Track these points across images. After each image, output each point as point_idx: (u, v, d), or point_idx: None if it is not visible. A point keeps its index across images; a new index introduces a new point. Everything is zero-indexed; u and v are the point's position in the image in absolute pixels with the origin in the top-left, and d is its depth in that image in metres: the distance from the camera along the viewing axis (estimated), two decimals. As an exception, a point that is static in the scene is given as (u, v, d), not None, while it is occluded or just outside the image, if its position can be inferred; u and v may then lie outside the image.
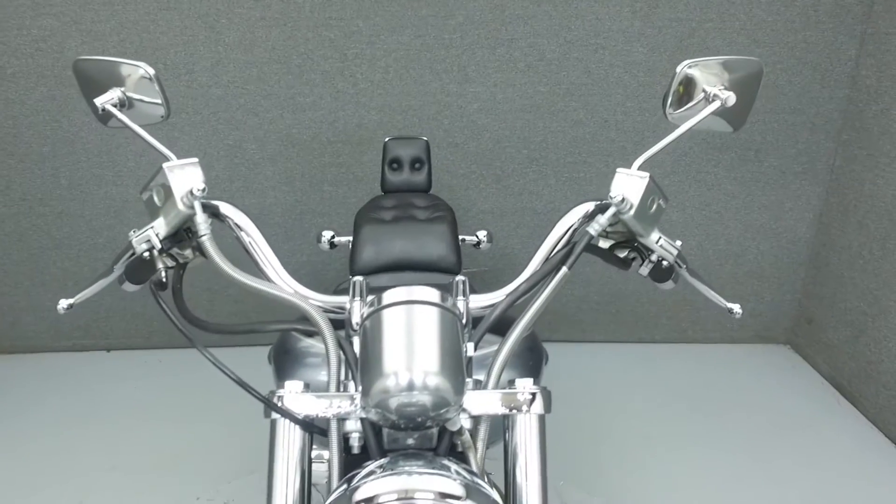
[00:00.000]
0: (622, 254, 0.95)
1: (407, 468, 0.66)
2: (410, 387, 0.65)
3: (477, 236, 1.87)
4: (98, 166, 2.42)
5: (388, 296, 0.75)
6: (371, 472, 0.66)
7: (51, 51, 2.26)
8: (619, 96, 2.44)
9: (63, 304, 0.91)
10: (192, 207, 0.85)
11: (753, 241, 2.69)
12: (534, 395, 0.78)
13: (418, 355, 0.67)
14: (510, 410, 0.77)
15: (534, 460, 0.76)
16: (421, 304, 0.73)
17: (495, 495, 0.67)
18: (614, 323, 2.77)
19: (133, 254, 0.88)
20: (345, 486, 0.67)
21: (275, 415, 0.76)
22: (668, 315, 2.78)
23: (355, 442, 0.76)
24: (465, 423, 0.75)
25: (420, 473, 0.66)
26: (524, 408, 0.77)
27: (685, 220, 2.63)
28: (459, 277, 0.85)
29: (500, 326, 0.83)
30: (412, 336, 0.68)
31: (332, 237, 1.83)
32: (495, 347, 0.80)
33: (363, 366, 0.69)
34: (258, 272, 0.91)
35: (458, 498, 0.64)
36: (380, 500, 0.64)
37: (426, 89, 2.38)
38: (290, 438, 0.75)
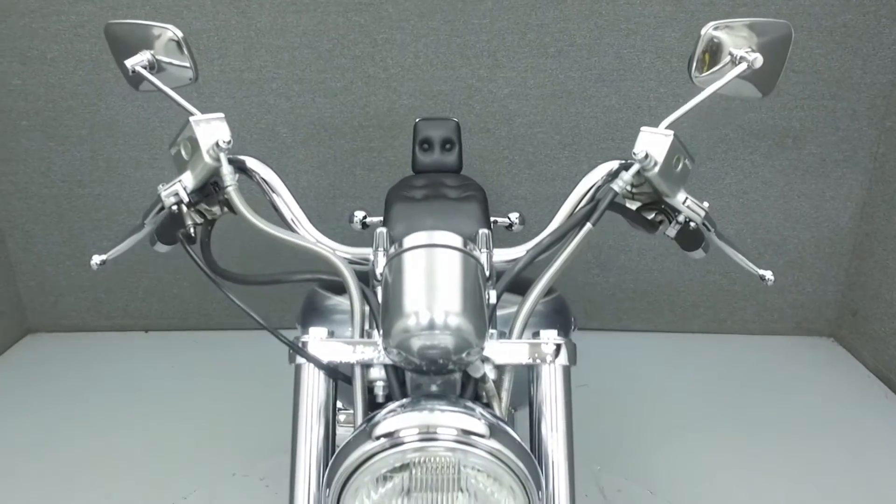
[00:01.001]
0: (649, 216, 0.93)
1: (429, 406, 0.65)
2: (431, 326, 0.64)
3: (509, 218, 1.85)
4: (135, 149, 2.47)
5: (410, 240, 0.74)
6: (392, 411, 0.66)
7: (88, 36, 2.31)
8: (652, 82, 2.39)
9: (96, 259, 0.93)
10: (218, 160, 0.86)
11: (794, 231, 2.61)
12: (558, 346, 0.76)
13: (440, 295, 0.65)
14: (534, 361, 0.76)
15: (560, 413, 0.75)
16: (442, 248, 0.72)
17: (520, 440, 0.65)
18: (651, 312, 2.72)
19: (162, 207, 0.89)
20: (365, 424, 0.66)
21: (299, 360, 0.76)
22: (705, 304, 2.72)
23: (379, 391, 0.76)
24: (490, 373, 0.73)
25: (442, 410, 0.64)
26: (549, 358, 0.76)
27: (722, 208, 2.57)
28: (483, 230, 0.84)
29: (523, 288, 0.82)
30: (433, 277, 0.67)
31: (364, 217, 1.83)
32: (515, 309, 0.79)
33: (385, 309, 0.67)
34: (285, 226, 0.92)
35: (481, 436, 0.63)
36: (400, 434, 0.63)
37: (456, 74, 2.37)
38: (314, 385, 0.75)
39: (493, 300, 0.75)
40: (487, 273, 0.78)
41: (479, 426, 0.64)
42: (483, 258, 0.79)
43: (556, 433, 0.74)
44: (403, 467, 0.63)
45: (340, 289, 0.83)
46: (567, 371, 0.78)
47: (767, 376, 2.49)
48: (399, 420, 0.64)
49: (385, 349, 0.67)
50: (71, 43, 2.32)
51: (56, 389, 2.36)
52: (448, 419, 0.64)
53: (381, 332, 0.68)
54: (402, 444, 0.62)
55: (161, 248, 1.01)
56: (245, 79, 2.37)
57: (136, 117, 2.43)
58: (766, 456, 2.07)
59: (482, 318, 0.66)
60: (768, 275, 0.92)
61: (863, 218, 2.57)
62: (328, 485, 0.63)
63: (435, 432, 0.62)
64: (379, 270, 0.79)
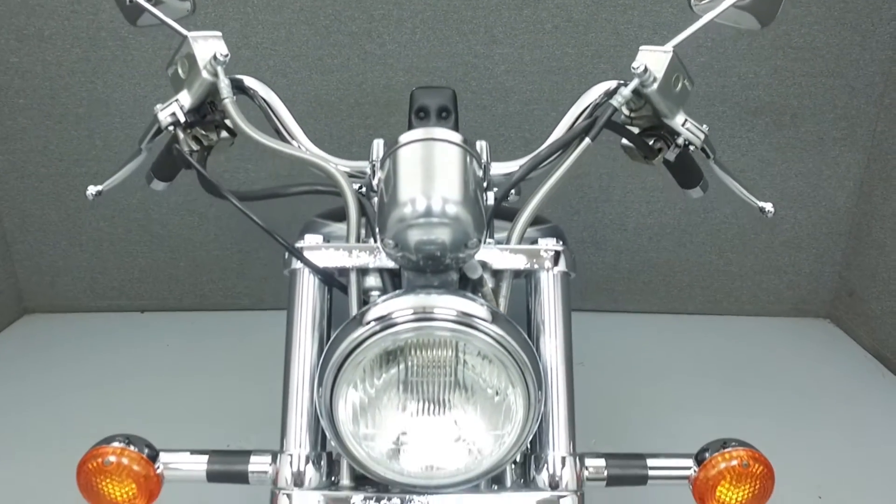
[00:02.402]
0: (648, 142, 0.92)
1: (425, 291, 0.63)
2: (429, 213, 0.60)
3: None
4: (132, 127, 2.47)
5: (407, 136, 0.72)
6: (386, 298, 0.63)
7: (85, 13, 2.31)
8: (651, 58, 2.38)
9: (91, 190, 0.93)
10: (215, 74, 0.85)
11: (790, 210, 2.60)
12: (557, 253, 0.75)
13: (438, 184, 0.62)
14: (533, 266, 0.74)
15: (559, 320, 0.73)
16: (441, 142, 0.69)
17: (523, 332, 0.63)
18: (646, 293, 2.72)
19: (158, 129, 0.89)
20: (357, 314, 0.64)
21: (294, 266, 0.74)
22: (701, 285, 2.71)
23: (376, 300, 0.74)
24: (489, 282, 0.72)
25: (440, 294, 0.62)
26: (547, 264, 0.75)
27: (717, 188, 2.55)
28: (481, 141, 0.83)
29: (511, 216, 0.81)
30: (432, 167, 0.64)
31: (360, 188, 1.83)
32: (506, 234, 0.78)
33: (381, 206, 0.65)
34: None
35: (482, 319, 0.60)
36: (393, 316, 0.60)
37: (453, 50, 2.37)
38: (309, 292, 0.73)
39: (490, 202, 0.74)
40: (486, 183, 0.77)
41: (481, 311, 0.61)
42: (484, 153, 0.79)
43: (555, 339, 0.72)
44: (398, 358, 0.62)
45: (339, 216, 0.82)
46: (566, 279, 0.76)
47: (763, 357, 2.48)
48: (392, 303, 0.61)
49: (381, 242, 0.64)
50: (68, 20, 2.32)
51: (53, 369, 2.35)
52: (446, 301, 0.61)
53: (378, 229, 0.66)
54: (396, 325, 0.60)
55: (158, 185, 1.01)
56: (242, 56, 2.36)
57: (133, 95, 2.43)
58: (762, 435, 2.02)
59: (480, 213, 0.63)
60: (768, 207, 0.92)
61: (860, 197, 2.57)
62: (320, 383, 0.61)
63: (432, 312, 0.60)
64: (375, 181, 0.78)
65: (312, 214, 0.98)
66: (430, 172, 0.64)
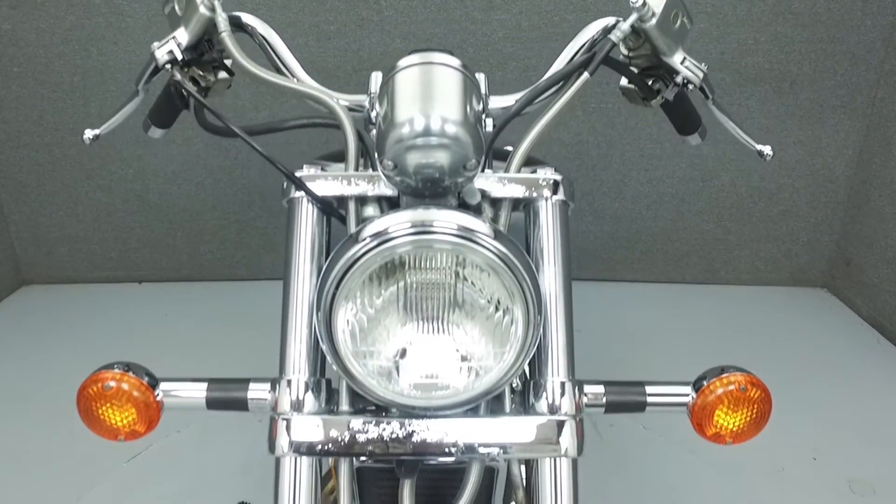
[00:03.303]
0: (647, 81, 0.91)
1: (424, 207, 0.61)
2: (427, 132, 0.60)
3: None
4: (126, 95, 2.44)
5: (406, 60, 0.70)
6: (383, 215, 0.62)
7: (80, -22, 2.29)
8: (650, 24, 2.37)
9: (88, 134, 0.92)
10: (212, 9, 0.84)
11: (788, 179, 2.60)
12: (556, 183, 0.75)
13: (437, 104, 0.61)
14: (531, 195, 0.74)
15: (558, 248, 0.73)
16: (440, 66, 0.68)
17: (525, 253, 0.63)
18: (644, 261, 2.72)
19: (156, 68, 0.87)
20: (353, 232, 0.63)
21: (293, 195, 0.74)
22: (699, 254, 2.71)
23: None
24: (487, 211, 0.72)
25: (440, 209, 0.61)
26: (546, 193, 0.74)
27: (717, 156, 2.55)
28: (480, 74, 0.82)
29: (505, 157, 0.81)
30: (430, 88, 0.63)
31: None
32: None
33: (380, 132, 0.64)
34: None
35: (483, 234, 0.59)
36: (390, 231, 0.59)
37: (451, 16, 2.35)
38: (307, 221, 0.72)
39: (489, 128, 0.74)
40: (484, 115, 0.76)
41: (482, 226, 0.60)
42: (482, 84, 0.78)
43: (554, 267, 0.72)
44: (397, 276, 0.61)
45: (339, 159, 0.81)
46: (565, 208, 0.76)
47: (760, 326, 2.49)
48: (391, 218, 0.60)
49: (381, 164, 0.63)
50: (61, -15, 2.30)
51: (51, 340, 2.36)
52: (446, 216, 0.60)
53: (377, 153, 0.65)
54: (394, 238, 0.59)
55: (155, 132, 1.00)
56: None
57: (127, 63, 2.40)
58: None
59: (479, 137, 0.62)
60: (767, 150, 0.91)
61: (859, 165, 2.56)
62: (319, 302, 0.61)
63: (431, 226, 0.59)
64: (374, 114, 0.77)
65: (313, 158, 0.97)
66: (428, 93, 0.63)
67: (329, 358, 0.62)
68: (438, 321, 0.62)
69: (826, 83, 2.45)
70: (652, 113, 2.51)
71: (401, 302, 0.62)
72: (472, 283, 0.61)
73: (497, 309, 0.62)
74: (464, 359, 0.63)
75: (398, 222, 0.59)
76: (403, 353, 0.63)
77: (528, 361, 0.63)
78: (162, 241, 2.68)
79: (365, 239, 0.59)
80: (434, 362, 0.62)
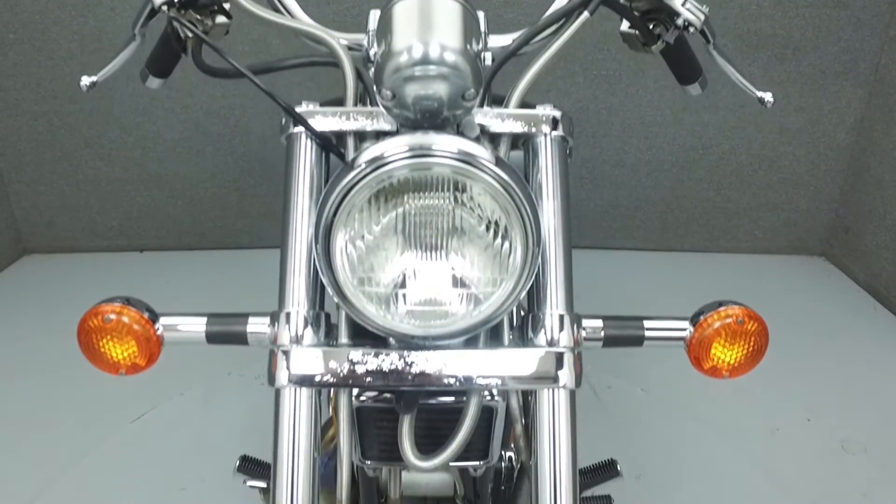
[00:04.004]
0: (648, 25, 0.91)
1: (423, 131, 0.61)
2: (426, 59, 0.59)
3: None
4: (125, 62, 2.43)
5: None
6: (379, 140, 0.62)
7: (76, -59, 2.26)
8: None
9: (85, 80, 0.91)
10: None
11: (789, 147, 2.59)
12: (556, 119, 0.75)
13: (435, 32, 0.60)
14: (530, 130, 0.74)
15: (558, 184, 0.73)
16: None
17: (525, 184, 0.62)
18: (643, 230, 2.73)
19: (152, 10, 0.86)
20: (349, 160, 0.63)
21: (292, 130, 0.73)
22: (698, 223, 2.72)
23: None
24: (487, 146, 0.70)
25: (438, 134, 0.60)
26: (545, 128, 0.74)
27: (717, 123, 2.55)
28: (479, 12, 0.81)
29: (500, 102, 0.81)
30: (429, 18, 0.61)
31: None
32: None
33: (378, 66, 0.64)
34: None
35: (484, 159, 0.59)
36: (387, 156, 0.58)
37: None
38: (306, 157, 0.72)
39: (488, 62, 0.73)
40: (483, 55, 0.75)
41: (483, 151, 0.59)
42: (481, 21, 0.77)
43: (553, 202, 0.71)
44: (395, 201, 0.61)
45: (338, 104, 0.81)
46: (564, 144, 0.76)
47: (758, 294, 2.50)
48: (388, 143, 0.59)
49: (379, 94, 0.63)
50: (56, -51, 2.28)
51: (53, 309, 2.36)
52: (446, 140, 0.59)
53: (375, 86, 0.65)
54: (391, 162, 0.59)
55: (153, 82, 0.99)
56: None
57: (124, 28, 2.38)
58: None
59: (478, 67, 0.61)
60: (768, 97, 0.90)
61: (860, 133, 2.56)
62: (316, 239, 0.60)
63: (430, 149, 0.58)
64: (373, 51, 0.76)
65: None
66: (427, 22, 0.62)
67: (328, 288, 0.62)
68: (437, 248, 0.62)
69: (829, 49, 2.43)
70: (653, 80, 2.50)
71: (399, 228, 0.62)
72: (471, 209, 0.61)
73: (496, 236, 0.62)
74: (462, 285, 0.63)
75: (396, 146, 0.59)
76: (402, 282, 0.63)
77: (526, 290, 0.63)
78: (162, 209, 2.68)
79: (362, 164, 0.59)
80: (433, 289, 0.63)
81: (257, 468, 1.18)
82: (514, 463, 1.13)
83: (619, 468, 1.18)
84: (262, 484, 1.14)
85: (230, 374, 1.97)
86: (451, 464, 0.86)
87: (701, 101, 2.50)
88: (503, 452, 1.14)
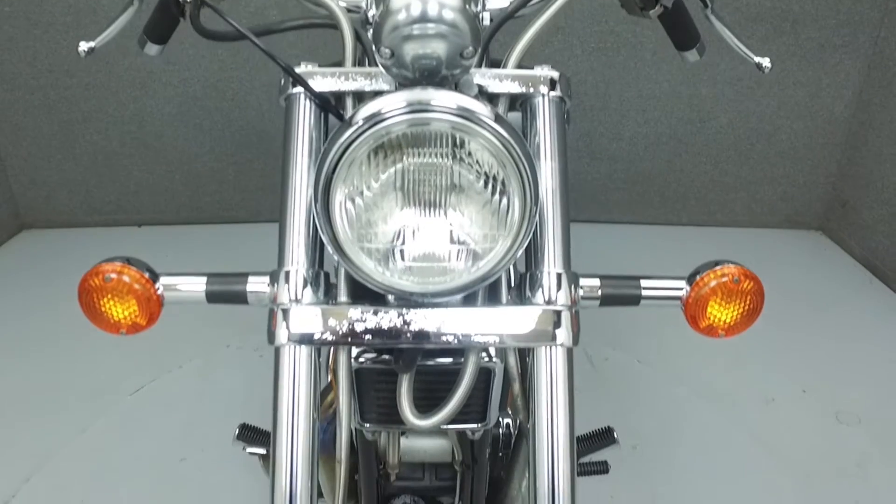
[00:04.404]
0: None
1: (421, 87, 0.60)
2: (424, 16, 0.59)
3: None
4: (121, 36, 2.41)
5: None
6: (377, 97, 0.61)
7: (69, -89, 2.23)
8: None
9: (83, 46, 0.90)
10: None
11: (787, 120, 2.59)
12: (553, 80, 0.75)
13: None
14: (528, 90, 0.74)
15: (555, 144, 0.73)
16: None
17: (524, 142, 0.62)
18: (641, 204, 2.73)
19: None
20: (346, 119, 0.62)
21: (291, 91, 0.73)
22: (696, 196, 2.72)
23: None
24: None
25: (437, 89, 0.59)
26: (543, 89, 0.74)
27: (715, 96, 2.54)
28: None
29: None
30: None
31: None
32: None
33: (376, 24, 0.63)
34: None
35: (483, 114, 0.59)
36: (384, 112, 0.58)
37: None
38: (305, 116, 0.72)
39: (486, 22, 0.73)
40: (480, 17, 0.75)
41: (484, 108, 0.59)
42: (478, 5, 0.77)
43: (550, 161, 0.72)
44: (394, 157, 0.61)
45: (331, 25, 0.81)
46: (562, 105, 0.76)
47: (754, 268, 2.46)
48: (386, 99, 0.59)
49: (377, 52, 0.63)
50: (49, -81, 2.25)
51: (52, 283, 2.37)
52: (444, 95, 0.59)
53: (373, 45, 0.65)
54: (388, 118, 0.58)
55: (151, 48, 0.98)
56: (230, -42, 2.30)
57: (119, 1, 2.36)
58: (751, 335, 2.10)
59: (476, 26, 0.61)
60: (765, 62, 0.90)
61: (858, 106, 2.55)
62: (315, 196, 0.60)
63: (428, 104, 0.58)
64: (371, 12, 0.76)
65: None
66: None
67: (327, 244, 0.63)
68: (436, 205, 0.63)
69: (828, 22, 2.42)
70: (650, 53, 2.49)
71: (398, 185, 0.62)
72: (470, 165, 0.61)
73: (494, 193, 0.62)
74: (461, 242, 0.63)
75: (395, 102, 0.59)
76: (401, 238, 0.63)
77: (523, 248, 0.63)
78: (160, 184, 2.68)
79: (360, 120, 0.59)
80: (432, 245, 0.63)
81: (256, 436, 1.19)
82: (512, 429, 1.15)
83: (615, 436, 1.19)
84: (262, 451, 1.16)
85: (229, 347, 1.98)
86: (449, 426, 0.87)
87: (699, 74, 2.50)
88: (501, 419, 1.16)
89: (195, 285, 0.71)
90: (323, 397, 1.01)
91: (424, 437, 1.03)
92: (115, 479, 1.54)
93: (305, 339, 0.66)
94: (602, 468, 1.15)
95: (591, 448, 1.17)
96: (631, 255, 2.56)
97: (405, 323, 0.65)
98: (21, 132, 2.57)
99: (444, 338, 0.66)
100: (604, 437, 1.18)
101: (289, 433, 0.67)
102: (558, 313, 0.68)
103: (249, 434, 1.17)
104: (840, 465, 1.63)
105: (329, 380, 1.02)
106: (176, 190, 2.69)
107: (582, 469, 1.16)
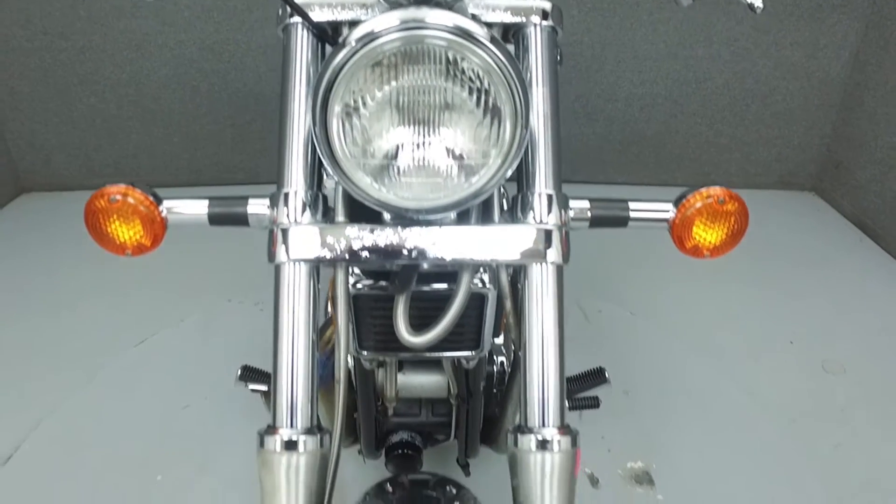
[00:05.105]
0: None
1: (415, 6, 0.60)
2: None
3: None
4: (114, -6, 2.40)
5: None
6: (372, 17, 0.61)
7: None
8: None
9: None
10: None
11: (783, 81, 2.60)
12: (545, 11, 0.75)
13: None
14: (521, 19, 0.75)
15: (546, 71, 0.74)
16: None
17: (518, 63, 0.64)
18: (636, 164, 2.75)
19: None
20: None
21: (289, 20, 0.74)
22: (691, 157, 2.74)
23: None
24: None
25: (431, 8, 0.60)
26: (535, 19, 0.75)
27: (711, 56, 2.54)
28: None
29: None
30: None
31: None
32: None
33: None
34: None
35: (477, 33, 0.59)
36: (379, 30, 0.59)
37: None
38: (303, 46, 0.73)
39: None
40: None
41: (479, 28, 0.60)
42: None
43: (542, 87, 0.73)
44: (390, 76, 0.62)
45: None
46: (554, 35, 0.76)
47: (749, 226, 2.53)
48: (382, 18, 0.60)
49: None
50: None
51: (52, 246, 2.39)
52: (440, 15, 0.59)
53: None
54: (381, 36, 0.59)
55: None
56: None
57: (115, -39, 2.35)
58: (743, 288, 2.15)
59: None
60: (757, 2, 0.91)
61: (854, 67, 2.56)
62: (313, 112, 0.61)
63: (423, 21, 0.59)
64: None
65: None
66: None
67: (325, 162, 0.64)
68: (430, 122, 0.64)
69: (826, -20, 2.42)
70: (647, 13, 2.49)
71: (394, 102, 0.63)
72: (462, 83, 0.62)
73: (486, 112, 0.63)
74: (455, 156, 0.64)
75: (389, 20, 0.60)
76: (397, 155, 0.64)
77: (514, 166, 0.64)
78: (158, 146, 2.69)
79: (352, 41, 0.60)
80: (426, 161, 0.64)
81: (258, 376, 1.23)
82: (506, 367, 1.18)
83: (607, 375, 1.23)
84: (263, 387, 1.19)
85: (230, 301, 2.01)
86: (444, 354, 0.90)
87: (695, 34, 2.50)
88: (495, 357, 1.19)
89: (197, 208, 0.73)
90: (322, 333, 1.04)
91: (421, 372, 1.06)
92: (122, 425, 1.59)
93: (304, 257, 0.68)
94: (593, 402, 1.19)
95: (583, 387, 1.21)
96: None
97: (401, 240, 0.67)
98: (18, 96, 2.57)
99: (439, 255, 0.68)
100: (596, 376, 1.22)
101: (289, 348, 0.69)
102: (549, 232, 0.70)
103: (251, 374, 1.21)
104: (824, 411, 1.67)
105: (327, 308, 1.05)
106: (174, 152, 2.70)
107: (574, 404, 1.20)
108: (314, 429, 0.69)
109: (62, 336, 1.90)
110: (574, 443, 0.69)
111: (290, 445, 0.67)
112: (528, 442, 0.68)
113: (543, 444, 0.67)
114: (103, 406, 1.65)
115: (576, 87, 2.57)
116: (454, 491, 0.83)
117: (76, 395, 1.67)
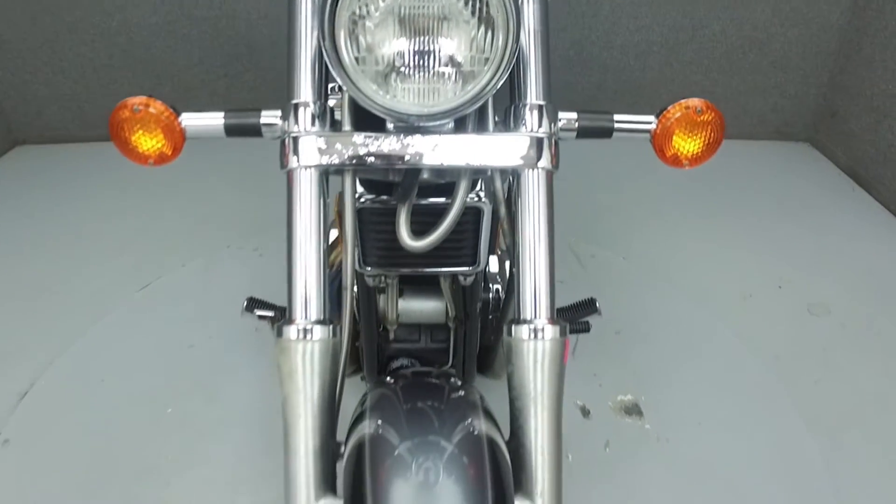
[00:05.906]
0: None
1: None
2: None
3: None
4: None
5: None
6: None
7: None
8: None
9: None
10: None
11: (781, 28, 2.58)
12: None
13: None
14: None
15: (537, 13, 0.76)
16: None
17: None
18: (631, 113, 2.73)
19: None
20: None
21: None
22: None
23: None
24: None
25: None
26: None
27: (709, 2, 2.52)
28: None
29: None
30: None
31: None
32: None
33: None
34: None
35: None
36: None
37: None
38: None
39: None
40: None
41: None
42: None
43: (533, 4, 0.76)
44: None
45: None
46: None
47: (741, 178, 2.55)
48: None
49: None
50: None
51: (49, 197, 2.39)
52: None
53: None
54: None
55: None
56: None
57: None
58: (734, 235, 2.17)
59: None
60: None
61: (854, 13, 2.54)
62: (321, 31, 0.65)
63: None
64: None
65: None
66: None
67: (333, 71, 0.67)
68: (430, 32, 0.67)
69: (825, -77, 2.39)
70: (645, -41, 2.46)
71: (396, 13, 0.66)
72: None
73: (480, 24, 0.67)
74: (453, 63, 0.68)
75: None
76: (399, 65, 0.68)
77: (506, 74, 0.67)
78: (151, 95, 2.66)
79: None
80: (426, 66, 0.68)
81: (263, 307, 1.26)
82: (501, 294, 1.21)
83: (598, 306, 1.26)
84: (270, 314, 1.23)
85: (229, 247, 2.03)
86: (443, 270, 0.93)
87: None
88: (491, 285, 1.22)
89: (214, 119, 0.75)
90: (331, 250, 1.07)
91: (420, 297, 1.09)
92: (130, 363, 1.63)
93: (314, 163, 0.72)
94: (584, 327, 1.22)
95: (575, 316, 1.24)
96: (619, 165, 2.58)
97: (403, 147, 0.71)
98: (6, 46, 2.54)
99: (438, 161, 0.71)
100: (587, 306, 1.25)
101: (301, 247, 0.73)
102: (540, 140, 0.73)
103: (256, 304, 1.24)
104: (806, 350, 1.72)
105: (334, 222, 1.07)
106: (166, 101, 2.67)
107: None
108: (326, 320, 0.73)
109: (67, 282, 1.92)
110: (563, 332, 0.73)
111: (305, 333, 0.71)
112: (522, 331, 0.72)
113: (535, 333, 0.72)
114: (112, 347, 1.68)
115: (571, 33, 2.55)
116: (458, 382, 0.87)
117: (86, 337, 1.71)
